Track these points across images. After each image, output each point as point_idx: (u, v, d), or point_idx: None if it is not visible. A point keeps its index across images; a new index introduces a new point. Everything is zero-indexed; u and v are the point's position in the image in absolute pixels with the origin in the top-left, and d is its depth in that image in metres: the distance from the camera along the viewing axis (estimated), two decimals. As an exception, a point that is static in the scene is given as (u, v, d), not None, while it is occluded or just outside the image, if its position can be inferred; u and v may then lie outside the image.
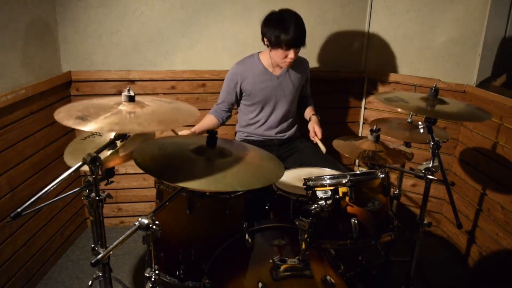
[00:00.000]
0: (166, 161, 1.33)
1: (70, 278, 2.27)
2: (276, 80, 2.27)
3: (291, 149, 2.38)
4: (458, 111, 1.61)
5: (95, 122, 1.17)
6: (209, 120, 2.31)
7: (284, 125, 2.38)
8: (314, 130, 2.22)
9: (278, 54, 2.12)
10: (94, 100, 1.38)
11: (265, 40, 2.13)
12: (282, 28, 2.04)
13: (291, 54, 2.10)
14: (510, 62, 2.53)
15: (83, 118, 1.18)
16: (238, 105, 2.39)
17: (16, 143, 2.00)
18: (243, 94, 2.31)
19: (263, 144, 2.34)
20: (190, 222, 1.71)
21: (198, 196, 1.67)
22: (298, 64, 2.31)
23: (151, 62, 2.55)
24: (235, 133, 2.50)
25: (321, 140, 2.20)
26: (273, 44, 2.10)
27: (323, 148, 2.13)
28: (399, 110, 1.52)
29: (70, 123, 1.17)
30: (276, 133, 2.37)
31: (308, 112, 2.40)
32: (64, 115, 1.22)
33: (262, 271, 1.40)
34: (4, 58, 1.92)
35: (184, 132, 2.15)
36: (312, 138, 2.23)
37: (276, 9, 2.15)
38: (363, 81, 2.79)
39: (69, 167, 1.25)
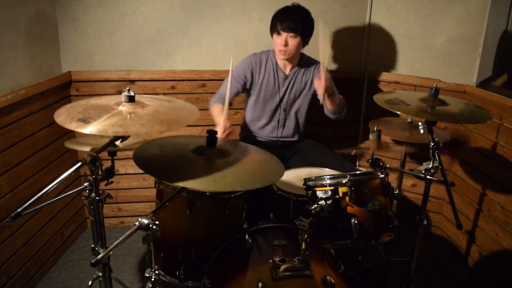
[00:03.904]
0: (166, 161, 1.33)
1: (70, 278, 2.27)
2: (285, 80, 2.25)
3: (295, 149, 2.36)
4: (458, 112, 1.60)
5: (97, 124, 1.17)
6: (220, 110, 2.15)
7: (290, 126, 2.34)
8: (315, 82, 2.05)
9: (275, 40, 2.15)
10: (92, 100, 1.38)
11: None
12: (281, 14, 2.11)
13: (282, 39, 2.09)
14: (510, 62, 2.53)
15: (85, 121, 1.18)
16: (246, 101, 2.36)
17: (16, 143, 2.00)
18: (252, 88, 2.27)
19: (267, 145, 2.33)
20: (190, 222, 1.71)
21: (198, 196, 1.67)
22: (311, 66, 2.28)
23: (151, 62, 2.55)
24: (241, 129, 2.48)
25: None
26: (271, 29, 2.16)
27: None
28: (399, 113, 1.52)
29: (72, 126, 1.17)
30: (281, 134, 2.35)
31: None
32: (65, 118, 1.21)
33: (262, 271, 1.40)
34: (4, 58, 1.92)
35: (221, 131, 1.96)
36: (316, 85, 2.05)
37: (276, 9, 2.16)
38: (363, 81, 2.79)
39: (69, 167, 1.25)
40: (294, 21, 2.06)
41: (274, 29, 2.13)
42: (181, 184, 1.18)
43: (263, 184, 1.25)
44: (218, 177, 1.22)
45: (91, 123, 1.17)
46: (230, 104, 2.27)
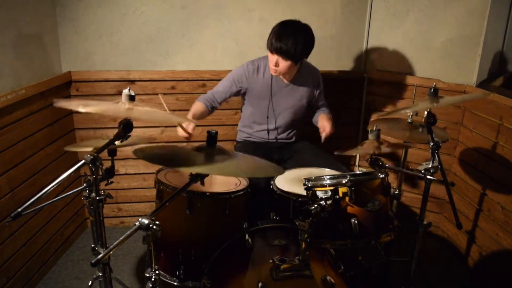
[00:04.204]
0: (167, 153, 1.33)
1: (70, 278, 2.27)
2: (284, 88, 2.24)
3: (290, 151, 2.37)
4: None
5: (97, 105, 1.19)
6: (199, 108, 2.20)
7: (286, 130, 2.36)
8: (324, 126, 2.19)
9: (268, 56, 2.10)
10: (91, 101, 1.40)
11: None
12: (278, 33, 2.02)
13: (274, 59, 2.04)
14: (510, 62, 2.53)
15: (86, 104, 1.21)
16: (243, 104, 2.37)
17: (16, 143, 2.00)
18: (248, 95, 2.28)
19: (264, 146, 2.33)
20: (190, 222, 1.71)
21: (198, 196, 1.67)
22: (309, 73, 2.28)
23: (151, 62, 2.55)
24: (238, 130, 2.49)
25: (320, 140, 2.19)
26: (267, 43, 2.08)
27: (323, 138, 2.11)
28: (407, 111, 1.54)
29: (73, 105, 1.21)
30: (278, 137, 2.35)
31: (320, 113, 2.36)
32: (65, 103, 1.25)
33: (262, 271, 1.40)
34: (4, 58, 1.92)
35: (188, 126, 1.98)
36: (321, 134, 2.18)
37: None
38: (363, 81, 2.79)
39: (69, 167, 1.26)
40: (287, 45, 1.97)
41: (268, 46, 2.06)
42: (184, 169, 1.17)
43: (265, 175, 1.25)
44: (221, 166, 1.22)
45: (92, 106, 1.21)
46: (218, 106, 2.30)
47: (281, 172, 1.37)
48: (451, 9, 2.43)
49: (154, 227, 1.17)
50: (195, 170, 1.18)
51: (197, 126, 2.65)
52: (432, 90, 1.63)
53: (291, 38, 1.98)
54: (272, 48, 2.02)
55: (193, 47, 2.56)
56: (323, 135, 2.17)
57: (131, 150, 1.39)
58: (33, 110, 2.13)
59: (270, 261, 1.40)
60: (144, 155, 1.26)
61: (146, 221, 1.16)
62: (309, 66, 2.32)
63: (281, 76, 2.22)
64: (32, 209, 1.19)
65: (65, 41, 2.42)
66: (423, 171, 1.61)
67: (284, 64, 2.04)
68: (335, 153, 1.79)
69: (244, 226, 1.76)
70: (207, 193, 1.69)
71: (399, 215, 1.98)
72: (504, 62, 2.55)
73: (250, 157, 1.44)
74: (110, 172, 1.44)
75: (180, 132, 1.95)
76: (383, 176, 1.60)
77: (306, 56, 2.11)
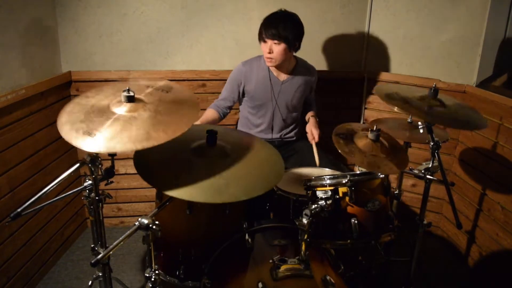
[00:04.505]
0: (166, 167, 1.32)
1: (70, 278, 2.27)
2: (279, 86, 2.24)
3: (291, 150, 2.37)
4: (454, 117, 1.59)
5: (104, 140, 1.16)
6: (211, 114, 2.27)
7: (285, 128, 2.36)
8: (312, 132, 2.22)
9: (262, 48, 2.13)
10: (92, 101, 1.37)
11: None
12: (267, 22, 2.09)
13: (267, 46, 2.07)
14: (510, 62, 2.53)
15: (90, 133, 1.17)
16: (240, 104, 2.38)
17: (16, 143, 2.00)
18: (245, 95, 2.30)
19: None
20: (190, 222, 1.71)
21: (198, 196, 1.66)
22: (305, 71, 2.30)
23: (151, 62, 2.55)
24: (236, 129, 2.50)
25: (320, 140, 2.20)
26: (258, 37, 2.13)
27: (317, 160, 2.10)
28: (396, 109, 1.53)
29: (78, 143, 1.15)
30: (276, 136, 2.36)
31: (308, 114, 2.40)
32: (69, 129, 1.19)
33: (262, 271, 1.40)
34: (4, 58, 1.92)
35: None
36: (310, 141, 2.22)
37: (276, 9, 2.16)
38: (363, 81, 2.79)
39: (69, 167, 1.26)
40: (277, 28, 2.03)
41: (260, 37, 2.12)
42: (185, 197, 1.18)
43: (266, 189, 1.25)
44: (222, 186, 1.21)
45: (96, 135, 1.17)
46: (229, 112, 2.34)
47: (282, 173, 1.37)
48: (451, 9, 2.43)
49: (154, 227, 1.17)
50: (197, 198, 1.17)
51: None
52: (432, 90, 1.63)
53: (281, 23, 2.05)
54: (264, 36, 2.07)
55: (193, 47, 2.56)
56: (313, 143, 2.19)
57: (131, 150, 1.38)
58: (33, 110, 2.13)
59: (270, 261, 1.40)
60: (144, 171, 1.25)
61: (146, 221, 1.17)
62: (306, 63, 2.33)
63: (276, 74, 2.23)
64: (32, 209, 1.19)
65: (65, 41, 2.42)
66: (423, 171, 1.61)
67: (278, 49, 2.07)
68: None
69: (244, 226, 1.76)
70: (207, 193, 1.68)
71: (399, 215, 1.98)
72: (504, 62, 2.54)
73: (252, 152, 1.43)
74: (110, 172, 1.44)
75: None
76: (383, 176, 1.60)
77: (297, 41, 2.13)
